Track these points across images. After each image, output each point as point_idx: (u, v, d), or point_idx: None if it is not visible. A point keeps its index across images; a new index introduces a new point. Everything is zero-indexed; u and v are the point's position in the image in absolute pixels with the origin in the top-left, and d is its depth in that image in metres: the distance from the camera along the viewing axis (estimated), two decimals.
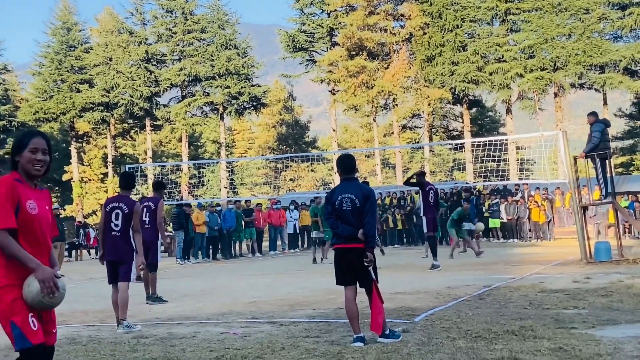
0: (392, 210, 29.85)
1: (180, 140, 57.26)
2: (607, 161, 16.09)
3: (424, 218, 16.31)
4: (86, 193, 58.13)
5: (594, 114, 16.44)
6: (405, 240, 29.80)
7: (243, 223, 26.71)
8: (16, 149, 4.13)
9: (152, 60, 53.76)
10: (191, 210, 25.59)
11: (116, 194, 9.86)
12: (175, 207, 25.70)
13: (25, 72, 61.97)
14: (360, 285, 7.13)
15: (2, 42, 57.17)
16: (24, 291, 3.90)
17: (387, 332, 7.01)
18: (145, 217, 11.79)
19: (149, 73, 52.41)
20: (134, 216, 9.07)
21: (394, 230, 29.90)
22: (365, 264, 6.93)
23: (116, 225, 9.03)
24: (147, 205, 12.08)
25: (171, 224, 26.53)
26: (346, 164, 7.31)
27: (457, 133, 56.72)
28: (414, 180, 16.67)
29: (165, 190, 13.08)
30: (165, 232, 12.70)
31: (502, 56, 42.78)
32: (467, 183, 37.69)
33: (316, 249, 21.28)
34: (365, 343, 6.83)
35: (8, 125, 53.81)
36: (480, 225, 17.99)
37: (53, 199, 55.71)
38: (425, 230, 16.57)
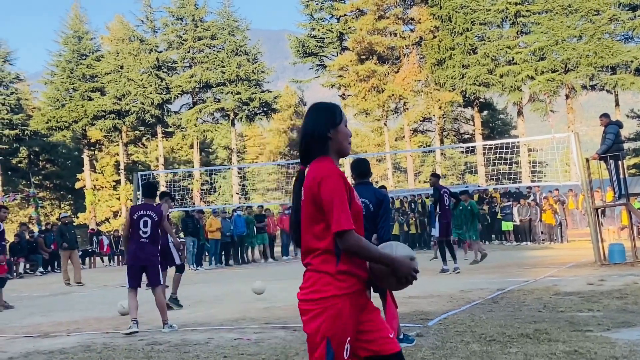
0: (407, 214, 29.76)
1: (191, 146, 57.49)
2: (620, 162, 16.00)
3: (437, 222, 16.25)
4: (99, 200, 58.39)
5: (606, 115, 16.37)
6: (417, 244, 29.72)
7: (255, 229, 26.73)
8: (331, 122, 3.31)
9: (162, 67, 53.99)
10: (203, 216, 25.63)
11: (140, 202, 10.10)
12: (185, 214, 25.74)
13: (37, 81, 62.45)
14: (374, 290, 7.09)
15: (14, 52, 57.65)
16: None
17: (401, 336, 6.99)
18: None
19: (159, 80, 52.66)
20: (163, 221, 9.57)
21: (407, 234, 29.84)
22: None
23: (144, 232, 9.38)
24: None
25: (182, 231, 26.57)
26: (361, 168, 7.29)
27: (468, 136, 56.58)
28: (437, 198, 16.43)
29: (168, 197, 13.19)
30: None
31: (513, 58, 42.69)
32: (479, 186, 37.59)
33: None
34: None
35: (21, 134, 54.19)
36: None
37: (65, 207, 56.23)
38: (437, 235, 16.49)
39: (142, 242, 9.35)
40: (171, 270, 12.18)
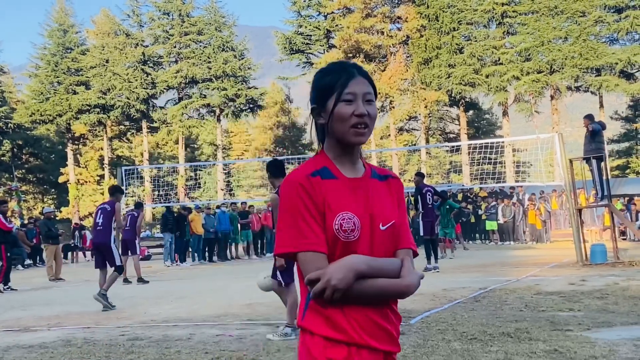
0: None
1: (176, 142, 57.28)
2: (603, 164, 16.11)
3: (420, 221, 16.25)
4: (82, 195, 58.05)
5: (590, 116, 16.46)
6: None
7: (239, 225, 26.66)
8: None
9: (148, 62, 53.77)
10: (188, 212, 25.56)
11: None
12: (166, 210, 25.63)
13: (21, 74, 62.00)
14: None
15: None
16: None
17: None
18: (99, 218, 11.95)
19: (145, 75, 52.43)
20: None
21: None
22: None
23: None
24: (102, 207, 12.23)
25: (162, 226, 26.50)
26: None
27: (453, 135, 56.78)
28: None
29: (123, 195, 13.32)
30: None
31: (499, 59, 42.85)
32: (463, 185, 37.73)
33: None
34: None
35: (4, 127, 53.76)
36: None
37: (48, 202, 55.70)
38: (421, 234, 16.53)
39: None
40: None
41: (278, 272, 7.75)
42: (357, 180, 2.24)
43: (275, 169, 8.06)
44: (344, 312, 2.09)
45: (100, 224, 11.86)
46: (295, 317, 7.73)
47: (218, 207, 27.77)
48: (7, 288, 16.42)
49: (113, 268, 11.62)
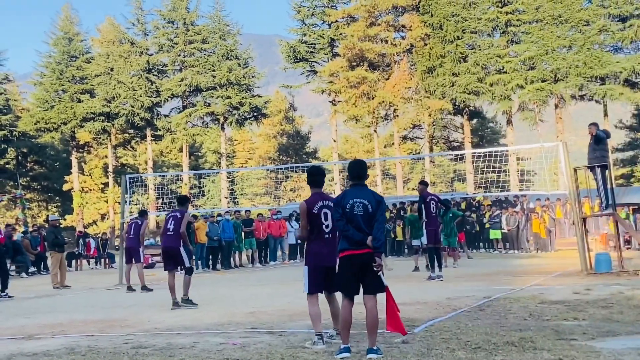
0: (394, 220, 29.74)
1: (180, 150, 57.38)
2: (607, 172, 16.07)
3: (425, 230, 16.23)
4: (86, 203, 58.18)
5: (595, 124, 16.44)
6: (406, 251, 29.65)
7: (243, 233, 26.63)
8: None
9: (153, 70, 53.94)
10: (195, 220, 25.55)
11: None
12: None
13: (26, 82, 62.29)
14: (369, 291, 7.01)
15: (4, 52, 57.38)
16: None
17: (375, 347, 6.88)
18: (170, 225, 12.80)
19: (150, 83, 52.60)
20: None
21: (394, 240, 29.81)
22: (375, 269, 6.87)
23: (327, 227, 7.79)
24: (173, 215, 13.03)
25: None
26: (356, 170, 7.30)
27: (457, 144, 56.77)
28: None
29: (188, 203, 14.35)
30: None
31: (503, 67, 42.86)
32: (467, 194, 37.68)
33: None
34: (350, 353, 6.79)
35: (9, 135, 53.93)
36: None
37: (53, 209, 55.62)
38: (425, 242, 16.50)
39: (326, 239, 7.80)
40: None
41: (306, 278, 7.81)
42: None
43: (308, 177, 8.15)
44: None
45: (171, 230, 12.76)
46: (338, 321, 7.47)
47: (219, 214, 27.74)
48: (4, 295, 16.47)
49: (183, 272, 12.82)
